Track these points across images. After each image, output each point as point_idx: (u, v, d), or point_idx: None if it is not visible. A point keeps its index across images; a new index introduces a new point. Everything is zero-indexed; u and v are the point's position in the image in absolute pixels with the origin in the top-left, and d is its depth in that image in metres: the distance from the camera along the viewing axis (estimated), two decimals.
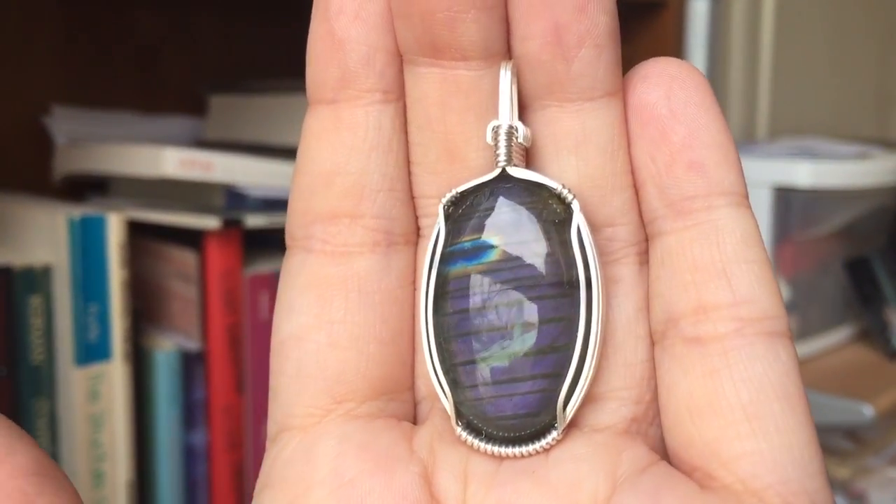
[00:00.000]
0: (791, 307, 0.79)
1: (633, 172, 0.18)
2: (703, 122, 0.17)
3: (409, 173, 0.18)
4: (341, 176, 0.18)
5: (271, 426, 0.19)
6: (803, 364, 0.85)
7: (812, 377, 0.76)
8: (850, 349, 0.84)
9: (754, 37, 1.04)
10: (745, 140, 1.02)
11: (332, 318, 0.18)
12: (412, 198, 0.19)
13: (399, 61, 0.18)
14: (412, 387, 0.19)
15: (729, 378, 0.17)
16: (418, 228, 0.19)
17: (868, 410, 0.70)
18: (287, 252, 0.19)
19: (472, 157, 0.18)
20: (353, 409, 0.18)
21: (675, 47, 0.72)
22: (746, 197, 0.18)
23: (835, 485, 0.77)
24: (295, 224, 0.19)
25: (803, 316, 0.80)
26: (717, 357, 0.17)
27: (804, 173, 0.75)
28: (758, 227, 0.18)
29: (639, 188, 0.18)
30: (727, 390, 0.16)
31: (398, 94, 0.18)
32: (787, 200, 0.77)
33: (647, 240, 0.18)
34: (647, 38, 0.72)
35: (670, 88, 0.17)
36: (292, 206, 0.19)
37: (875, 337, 0.83)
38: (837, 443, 0.82)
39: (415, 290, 0.19)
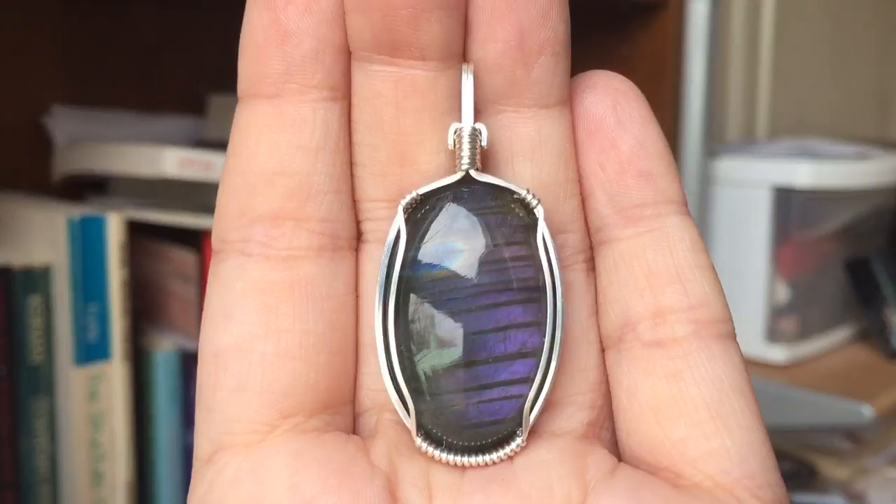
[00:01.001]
0: (791, 308, 0.79)
1: (579, 180, 0.18)
2: (648, 133, 0.18)
3: (352, 175, 0.18)
4: (286, 176, 0.17)
5: (204, 446, 0.17)
6: (803, 364, 0.85)
7: (812, 377, 0.76)
8: (849, 349, 0.84)
9: (754, 37, 1.04)
10: (744, 140, 1.02)
11: (279, 326, 0.17)
12: (353, 200, 0.18)
13: (346, 58, 0.17)
14: (352, 400, 0.18)
15: (692, 379, 0.17)
16: (359, 233, 0.18)
17: (867, 411, 0.70)
18: (216, 256, 0.18)
19: (425, 160, 0.18)
20: (301, 424, 0.17)
21: (675, 48, 0.72)
22: (686, 205, 0.18)
23: (834, 485, 0.77)
24: (227, 226, 0.17)
25: (803, 316, 0.80)
26: (679, 359, 0.17)
27: (804, 174, 0.75)
28: (700, 234, 0.18)
29: (586, 196, 0.18)
30: (691, 391, 0.17)
31: (344, 92, 0.17)
32: (787, 201, 0.77)
33: (591, 247, 0.18)
34: (647, 40, 0.72)
35: (616, 100, 0.18)
36: (223, 206, 0.17)
37: (875, 337, 0.83)
38: (837, 443, 0.82)
39: (357, 297, 0.18)
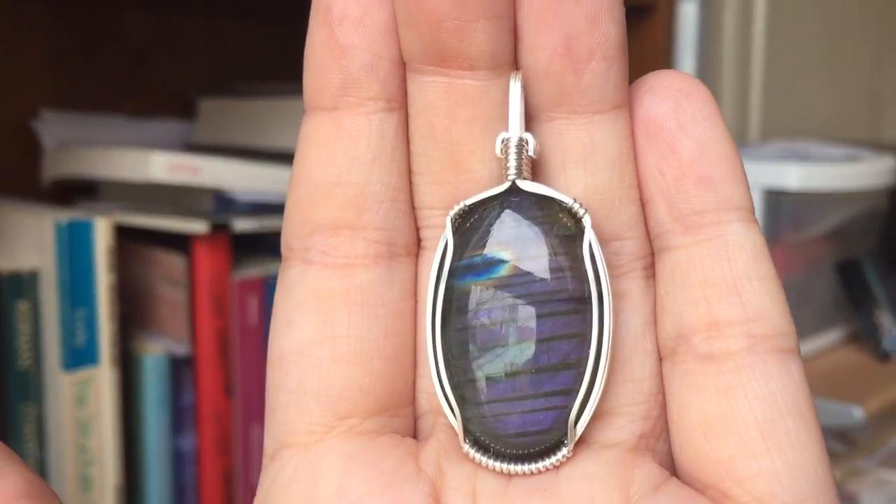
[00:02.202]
0: None
1: (639, 185, 0.18)
2: (712, 136, 0.17)
3: (410, 183, 0.18)
4: (342, 186, 0.17)
5: (269, 443, 0.18)
6: None
7: None
8: (840, 351, 0.84)
9: (745, 39, 1.04)
10: (737, 142, 1.02)
11: (334, 332, 0.17)
12: (412, 208, 0.18)
13: (402, 69, 0.17)
14: (412, 402, 0.18)
15: (743, 396, 0.16)
16: (419, 240, 0.18)
17: (858, 413, 0.70)
18: (283, 264, 0.18)
19: (478, 168, 0.18)
20: (357, 426, 0.17)
21: (665, 51, 0.72)
22: (753, 212, 0.18)
23: None
24: (292, 235, 0.18)
25: (794, 318, 0.80)
26: (731, 374, 0.17)
27: (794, 176, 0.75)
28: (765, 242, 0.17)
29: (646, 202, 0.18)
30: (742, 408, 0.16)
31: (401, 103, 0.18)
32: (778, 203, 0.77)
33: (652, 254, 0.18)
34: (637, 42, 0.72)
35: (678, 102, 0.17)
36: (289, 216, 0.18)
37: (866, 339, 0.83)
38: (829, 445, 0.82)
39: (416, 302, 0.18)
